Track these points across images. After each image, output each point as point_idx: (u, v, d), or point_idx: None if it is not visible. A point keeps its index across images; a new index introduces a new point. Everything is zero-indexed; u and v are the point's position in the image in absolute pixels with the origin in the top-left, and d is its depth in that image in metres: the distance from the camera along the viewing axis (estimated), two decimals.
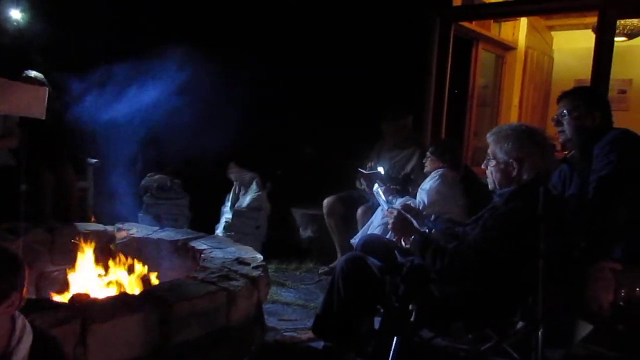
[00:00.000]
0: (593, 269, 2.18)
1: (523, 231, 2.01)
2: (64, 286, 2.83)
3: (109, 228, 3.42)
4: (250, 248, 3.09)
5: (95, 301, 2.19)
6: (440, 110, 4.68)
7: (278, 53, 4.72)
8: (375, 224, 3.44)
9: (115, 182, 3.86)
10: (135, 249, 3.19)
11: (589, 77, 4.01)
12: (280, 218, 4.73)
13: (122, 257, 2.93)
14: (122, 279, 2.80)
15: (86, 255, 2.91)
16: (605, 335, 2.21)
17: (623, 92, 6.20)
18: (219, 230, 4.53)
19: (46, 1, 4.55)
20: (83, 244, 2.94)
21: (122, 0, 4.71)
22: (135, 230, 3.41)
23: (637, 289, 2.15)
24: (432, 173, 3.41)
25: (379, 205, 3.10)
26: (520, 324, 2.22)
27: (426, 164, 3.53)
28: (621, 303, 2.13)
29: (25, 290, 1.42)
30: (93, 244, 2.97)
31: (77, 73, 3.64)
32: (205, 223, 4.44)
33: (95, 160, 4.45)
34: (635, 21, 5.26)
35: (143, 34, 4.24)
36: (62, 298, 2.60)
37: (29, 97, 2.64)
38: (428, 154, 3.53)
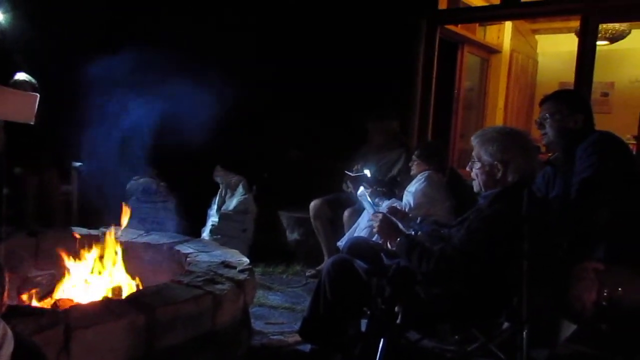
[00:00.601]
0: (576, 270, 2.21)
1: (507, 233, 2.03)
2: (47, 291, 2.79)
3: (93, 232, 3.38)
4: (237, 251, 3.07)
5: (78, 307, 2.16)
6: (426, 113, 4.71)
7: (265, 55, 4.72)
8: (362, 227, 3.45)
9: (100, 185, 3.81)
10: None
11: (573, 80, 4.07)
12: (267, 221, 4.71)
13: (106, 261, 2.89)
14: (106, 283, 2.77)
15: (70, 259, 2.87)
16: (588, 334, 2.23)
17: (605, 95, 6.30)
18: (205, 234, 4.50)
19: (29, 1, 4.49)
20: (67, 249, 2.90)
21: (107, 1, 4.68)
22: (120, 234, 3.37)
23: (620, 289, 2.18)
24: (418, 175, 3.43)
25: (365, 207, 3.11)
26: (505, 325, 2.24)
27: (412, 167, 3.55)
28: (604, 303, 2.16)
29: (5, 295, 1.39)
30: (77, 249, 2.93)
31: (62, 74, 3.61)
32: (191, 226, 4.41)
33: (80, 163, 4.40)
34: (617, 26, 5.36)
35: (128, 36, 4.21)
36: (45, 304, 2.57)
37: (20, 102, 2.60)
38: (414, 157, 3.55)
